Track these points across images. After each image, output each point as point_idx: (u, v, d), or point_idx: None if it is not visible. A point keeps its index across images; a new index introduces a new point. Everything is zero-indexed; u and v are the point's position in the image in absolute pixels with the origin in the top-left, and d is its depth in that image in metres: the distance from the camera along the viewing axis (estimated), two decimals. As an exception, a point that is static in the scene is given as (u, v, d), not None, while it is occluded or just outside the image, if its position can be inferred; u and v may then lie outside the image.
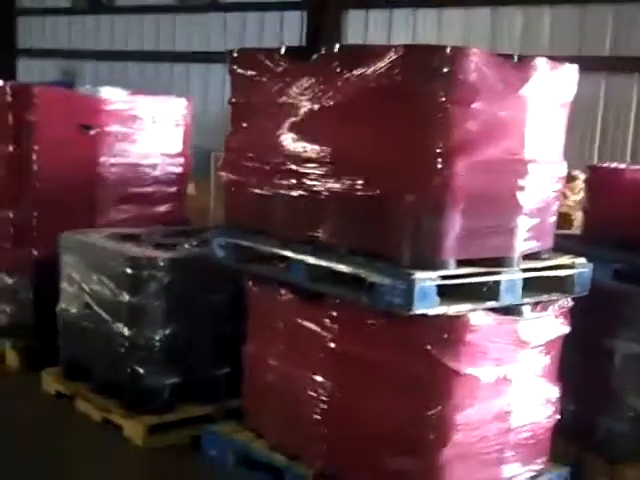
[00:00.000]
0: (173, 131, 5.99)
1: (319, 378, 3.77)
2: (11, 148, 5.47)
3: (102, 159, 5.63)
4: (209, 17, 13.11)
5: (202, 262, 4.39)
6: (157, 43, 13.63)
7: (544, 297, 3.74)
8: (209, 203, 7.48)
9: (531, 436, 3.84)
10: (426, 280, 3.27)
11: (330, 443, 3.78)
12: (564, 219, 5.41)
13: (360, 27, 11.43)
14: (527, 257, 3.72)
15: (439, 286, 3.37)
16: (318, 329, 3.75)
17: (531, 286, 3.73)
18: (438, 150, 3.29)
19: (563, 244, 4.33)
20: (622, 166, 4.63)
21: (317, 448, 3.81)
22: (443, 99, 3.26)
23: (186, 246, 4.74)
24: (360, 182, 3.48)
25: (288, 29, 12.13)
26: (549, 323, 3.81)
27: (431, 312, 3.31)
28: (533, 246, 3.71)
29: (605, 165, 4.70)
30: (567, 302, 3.87)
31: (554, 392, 3.93)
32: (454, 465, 3.51)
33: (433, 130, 3.30)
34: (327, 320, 3.71)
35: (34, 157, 5.42)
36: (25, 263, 5.47)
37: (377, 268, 3.38)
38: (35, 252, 5.42)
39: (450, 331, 3.40)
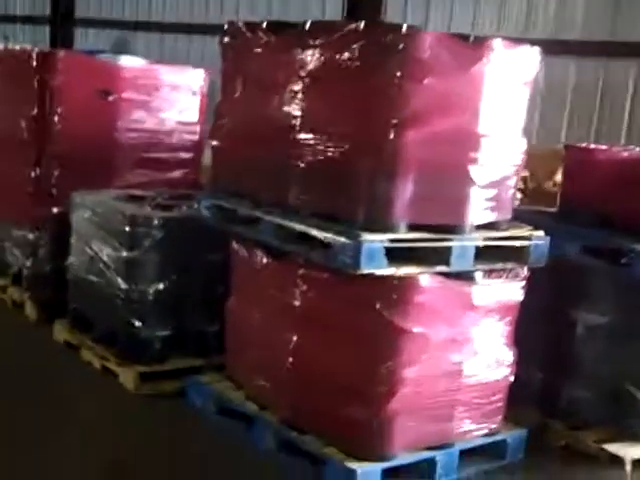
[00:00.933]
0: (190, 100, 6.30)
1: (286, 333, 4.05)
2: (35, 110, 5.81)
3: (119, 124, 5.97)
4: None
5: (196, 222, 4.68)
6: (206, 16, 13.97)
7: (498, 265, 3.96)
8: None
9: (483, 395, 4.08)
10: (374, 241, 3.53)
11: (295, 394, 4.06)
12: (554, 198, 5.58)
13: (399, 2, 11.62)
14: (484, 226, 3.94)
15: (393, 249, 3.63)
16: (285, 287, 4.03)
17: (487, 254, 3.97)
18: (392, 121, 3.54)
19: (537, 219, 4.56)
20: (594, 146, 4.78)
21: (284, 398, 4.10)
22: (397, 74, 3.51)
23: (184, 208, 5.04)
24: (324, 148, 3.75)
25: (330, 1, 12.36)
26: (504, 290, 4.03)
27: (378, 272, 3.57)
28: (489, 216, 3.93)
29: (579, 145, 4.86)
30: (523, 271, 4.08)
31: (508, 355, 4.15)
32: (402, 416, 3.78)
33: (387, 102, 3.55)
34: (293, 278, 3.98)
35: (56, 119, 5.78)
36: (45, 220, 5.84)
37: (333, 229, 3.64)
38: (54, 209, 5.78)
39: (399, 291, 3.65)
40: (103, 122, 5.93)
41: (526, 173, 7.52)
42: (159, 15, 14.85)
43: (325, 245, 3.69)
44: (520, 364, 4.35)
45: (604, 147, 4.90)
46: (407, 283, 3.65)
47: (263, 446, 4.11)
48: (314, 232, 3.73)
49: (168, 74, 6.20)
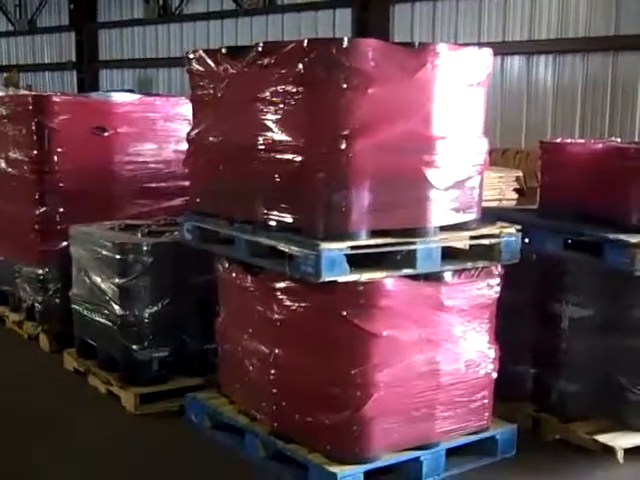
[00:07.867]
0: (186, 129, 6.45)
1: (266, 346, 4.15)
2: (35, 152, 6.05)
3: (117, 158, 6.19)
4: (268, 19, 13.69)
5: (185, 246, 4.81)
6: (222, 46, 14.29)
7: (468, 265, 4.03)
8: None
9: (466, 393, 4.12)
10: (332, 250, 3.63)
11: (278, 405, 4.15)
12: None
13: (406, 20, 11.79)
14: (451, 227, 4.01)
15: (358, 256, 3.72)
16: (263, 301, 4.14)
17: (458, 254, 4.05)
18: (341, 132, 3.65)
19: (518, 217, 4.62)
20: (569, 141, 4.81)
21: (269, 409, 4.20)
22: (342, 86, 3.62)
23: (175, 233, 5.17)
24: (282, 164, 3.86)
25: (339, 26, 12.58)
26: (477, 289, 4.08)
27: (341, 279, 3.66)
28: (455, 217, 4.00)
29: (554, 140, 4.89)
30: (496, 269, 4.13)
31: (490, 352, 4.20)
32: (380, 419, 3.86)
33: (336, 114, 3.67)
34: (269, 292, 4.09)
35: (56, 159, 6.02)
36: (52, 255, 6.06)
37: (296, 241, 3.76)
38: (61, 245, 5.97)
39: (364, 297, 3.74)
40: (101, 157, 6.16)
41: (519, 173, 7.56)
42: (177, 51, 15.20)
43: (291, 257, 3.80)
44: (511, 360, 4.41)
45: (580, 141, 4.93)
46: (372, 288, 3.74)
47: (255, 457, 4.22)
48: (280, 246, 3.84)
49: (162, 106, 6.38)
